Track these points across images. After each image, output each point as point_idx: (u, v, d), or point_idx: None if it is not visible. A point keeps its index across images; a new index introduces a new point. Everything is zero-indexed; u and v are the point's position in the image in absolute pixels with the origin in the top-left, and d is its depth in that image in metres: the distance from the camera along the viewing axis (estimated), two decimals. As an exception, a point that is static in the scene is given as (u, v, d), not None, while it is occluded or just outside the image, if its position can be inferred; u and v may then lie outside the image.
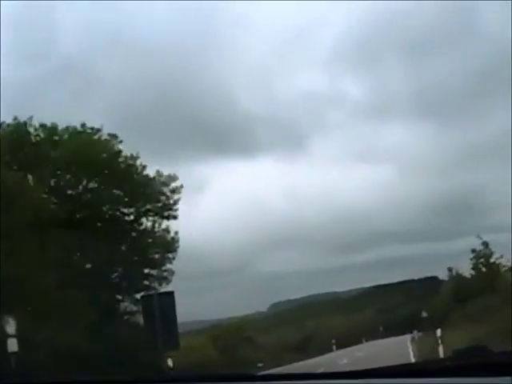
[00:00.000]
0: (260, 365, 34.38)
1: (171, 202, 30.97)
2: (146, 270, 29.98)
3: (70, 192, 29.60)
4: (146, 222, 30.81)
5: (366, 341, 64.79)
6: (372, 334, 70.40)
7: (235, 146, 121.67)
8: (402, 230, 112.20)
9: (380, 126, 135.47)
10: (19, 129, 28.81)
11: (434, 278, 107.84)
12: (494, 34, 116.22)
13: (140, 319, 22.37)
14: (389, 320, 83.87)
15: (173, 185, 30.99)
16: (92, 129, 29.77)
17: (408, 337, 58.05)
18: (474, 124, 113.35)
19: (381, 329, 77.79)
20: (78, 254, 27.47)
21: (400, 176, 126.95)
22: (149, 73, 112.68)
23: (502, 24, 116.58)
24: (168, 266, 30.49)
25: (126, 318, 29.10)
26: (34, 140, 29.12)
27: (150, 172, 30.81)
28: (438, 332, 25.80)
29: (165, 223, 30.97)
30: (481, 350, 2.45)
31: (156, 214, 30.58)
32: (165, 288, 28.02)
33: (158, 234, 30.63)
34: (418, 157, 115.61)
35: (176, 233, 30.64)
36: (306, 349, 45.23)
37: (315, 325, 64.76)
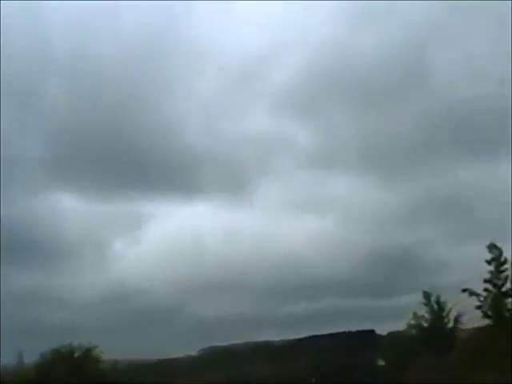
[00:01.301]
0: None
1: None
2: None
3: None
4: None
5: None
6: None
7: (176, 185, 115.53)
8: (339, 282, 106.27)
9: (325, 176, 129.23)
10: None
11: (371, 332, 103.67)
12: (443, 90, 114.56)
13: None
14: (322, 372, 77.01)
15: None
16: None
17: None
18: (418, 180, 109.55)
19: (313, 381, 70.38)
20: None
21: (340, 228, 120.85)
22: (88, 108, 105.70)
23: (451, 81, 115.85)
24: None
25: None
26: None
27: None
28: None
29: None
30: None
31: None
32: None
33: None
34: (360, 209, 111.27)
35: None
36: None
37: (237, 374, 56.46)
